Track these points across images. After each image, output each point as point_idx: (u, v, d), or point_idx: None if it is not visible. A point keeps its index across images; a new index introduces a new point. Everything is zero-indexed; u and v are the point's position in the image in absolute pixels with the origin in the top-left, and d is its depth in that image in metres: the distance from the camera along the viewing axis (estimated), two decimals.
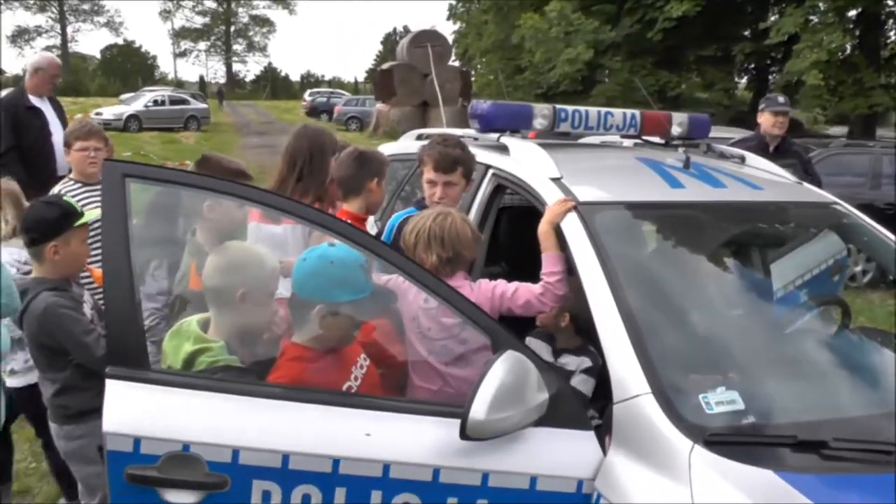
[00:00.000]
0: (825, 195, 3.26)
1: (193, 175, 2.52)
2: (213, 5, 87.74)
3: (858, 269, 8.55)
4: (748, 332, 2.61)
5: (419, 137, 4.46)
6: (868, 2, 21.67)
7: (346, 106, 35.86)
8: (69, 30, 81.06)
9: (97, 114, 29.01)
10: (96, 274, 3.28)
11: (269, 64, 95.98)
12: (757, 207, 3.05)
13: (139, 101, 31.71)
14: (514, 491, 2.06)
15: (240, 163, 3.43)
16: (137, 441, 1.99)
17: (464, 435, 1.96)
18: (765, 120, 5.72)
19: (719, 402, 2.06)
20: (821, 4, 22.11)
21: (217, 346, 2.27)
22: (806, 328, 2.79)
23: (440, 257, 2.66)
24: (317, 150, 3.34)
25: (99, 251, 2.24)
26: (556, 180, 2.78)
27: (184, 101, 32.76)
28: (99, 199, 2.21)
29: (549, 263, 2.62)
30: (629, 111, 3.54)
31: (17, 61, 78.28)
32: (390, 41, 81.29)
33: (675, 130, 3.58)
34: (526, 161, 3.01)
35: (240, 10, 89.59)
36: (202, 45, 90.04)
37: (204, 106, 33.90)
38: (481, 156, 3.30)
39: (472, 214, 3.17)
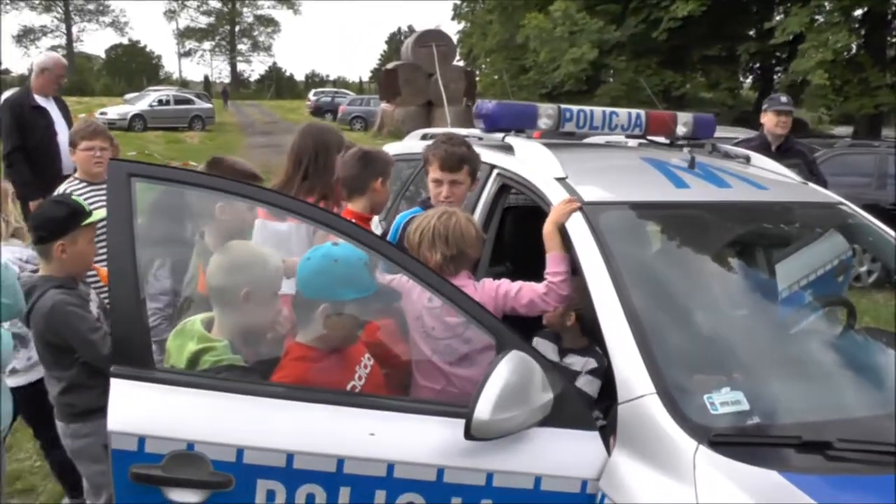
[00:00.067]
0: (830, 195, 3.25)
1: (199, 175, 2.52)
2: (218, 5, 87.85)
3: (863, 269, 8.52)
4: (753, 332, 2.61)
5: (424, 137, 4.46)
6: (874, 1, 21.60)
7: (351, 106, 35.87)
8: (74, 30, 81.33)
9: (102, 113, 29.03)
10: (102, 273, 3.29)
11: (274, 64, 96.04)
12: (762, 207, 3.04)
13: (144, 101, 31.72)
14: (519, 491, 2.06)
15: (251, 165, 3.42)
16: (142, 440, 2.00)
17: (468, 435, 1.96)
18: (768, 120, 5.72)
19: (724, 402, 2.06)
20: (826, 4, 22.04)
21: (221, 345, 2.28)
22: (811, 328, 2.79)
23: (444, 256, 2.66)
24: (322, 149, 3.34)
25: (105, 250, 2.24)
26: (560, 180, 2.78)
27: (188, 101, 32.77)
28: (104, 198, 2.22)
29: (553, 264, 2.62)
30: (634, 111, 3.54)
31: (23, 61, 78.56)
32: (395, 41, 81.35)
33: (680, 130, 3.58)
34: (531, 161, 3.01)
35: (244, 9, 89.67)
36: (207, 44, 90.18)
37: (208, 106, 33.93)
38: (486, 155, 3.30)
39: (477, 214, 3.17)
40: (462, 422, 1.96)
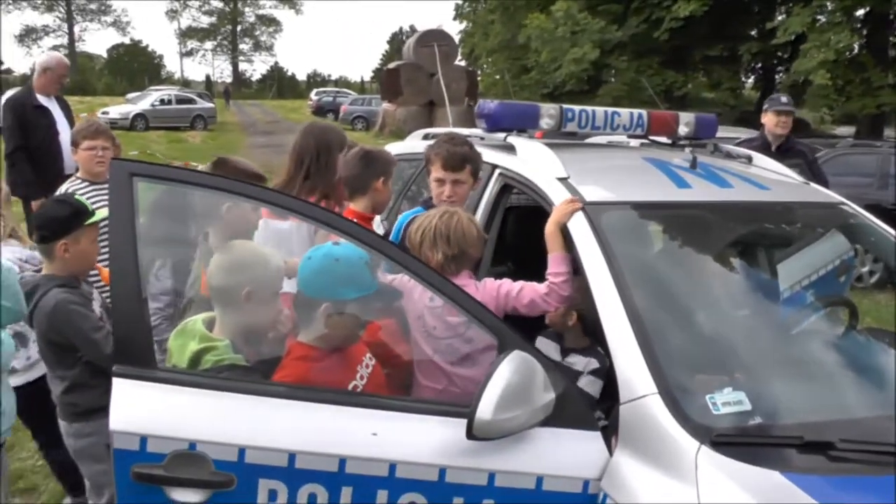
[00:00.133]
0: (832, 195, 3.25)
1: (201, 174, 2.52)
2: (220, 5, 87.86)
3: (865, 269, 8.52)
4: (755, 332, 2.60)
5: (426, 137, 4.46)
6: (876, 1, 21.58)
7: (353, 105, 35.85)
8: (76, 29, 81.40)
9: (104, 113, 29.06)
10: (104, 273, 3.29)
11: (276, 63, 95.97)
12: (764, 208, 3.04)
13: (146, 101, 31.72)
14: (521, 491, 2.06)
15: (255, 165, 3.42)
16: (144, 439, 2.00)
17: (470, 435, 1.96)
18: (768, 120, 5.73)
19: (726, 402, 2.06)
20: (828, 4, 22.02)
21: (222, 344, 2.28)
22: (813, 329, 2.78)
23: (446, 255, 2.66)
24: (324, 148, 3.35)
25: (107, 250, 2.25)
26: (562, 180, 2.78)
27: (190, 101, 32.79)
28: (106, 198, 2.22)
29: (555, 264, 2.62)
30: (636, 111, 3.54)
31: (25, 60, 78.64)
32: (397, 41, 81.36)
33: (682, 130, 3.58)
34: (533, 161, 3.01)
35: (246, 9, 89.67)
36: (208, 44, 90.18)
37: (210, 105, 33.93)
38: (488, 155, 3.30)
39: (479, 214, 3.17)
40: (464, 422, 1.96)
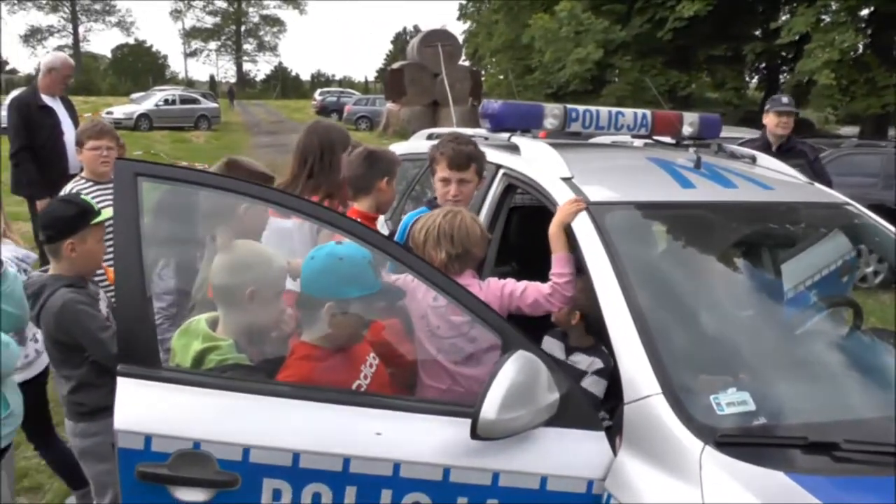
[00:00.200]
0: (837, 195, 3.24)
1: (205, 174, 2.53)
2: (224, 5, 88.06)
3: (870, 270, 8.51)
4: (759, 332, 2.60)
5: (430, 137, 4.46)
6: (881, 1, 21.54)
7: (357, 105, 35.89)
8: (81, 29, 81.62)
9: (108, 113, 29.15)
10: (110, 273, 3.30)
11: (280, 63, 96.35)
12: (768, 208, 3.04)
13: (150, 101, 31.81)
14: (525, 491, 2.06)
15: (264, 167, 3.43)
16: (148, 439, 2.00)
17: (474, 434, 1.96)
18: (769, 120, 5.76)
19: (730, 402, 2.06)
20: (832, 4, 22.00)
21: (226, 344, 2.28)
22: (817, 329, 2.78)
23: (449, 254, 2.66)
24: (327, 147, 3.35)
25: (112, 250, 2.25)
26: (566, 180, 2.78)
27: (194, 101, 32.86)
28: (110, 197, 2.22)
29: (559, 265, 2.62)
30: (640, 111, 3.54)
31: (30, 61, 78.82)
32: (401, 41, 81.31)
33: (686, 130, 3.57)
34: (537, 161, 3.01)
35: (250, 9, 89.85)
36: (213, 44, 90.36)
37: (214, 105, 33.99)
38: (492, 155, 3.29)
39: (483, 214, 3.17)
40: (468, 421, 1.96)
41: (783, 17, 25.97)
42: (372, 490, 2.04)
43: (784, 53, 28.53)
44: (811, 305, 2.89)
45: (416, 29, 71.43)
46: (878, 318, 6.38)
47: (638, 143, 3.87)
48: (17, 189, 6.19)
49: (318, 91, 50.28)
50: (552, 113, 3.35)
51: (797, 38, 22.77)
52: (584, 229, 2.52)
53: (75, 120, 6.18)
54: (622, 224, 2.61)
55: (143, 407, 2.04)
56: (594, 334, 2.88)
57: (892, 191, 9.06)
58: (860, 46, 22.86)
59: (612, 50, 27.94)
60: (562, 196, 2.69)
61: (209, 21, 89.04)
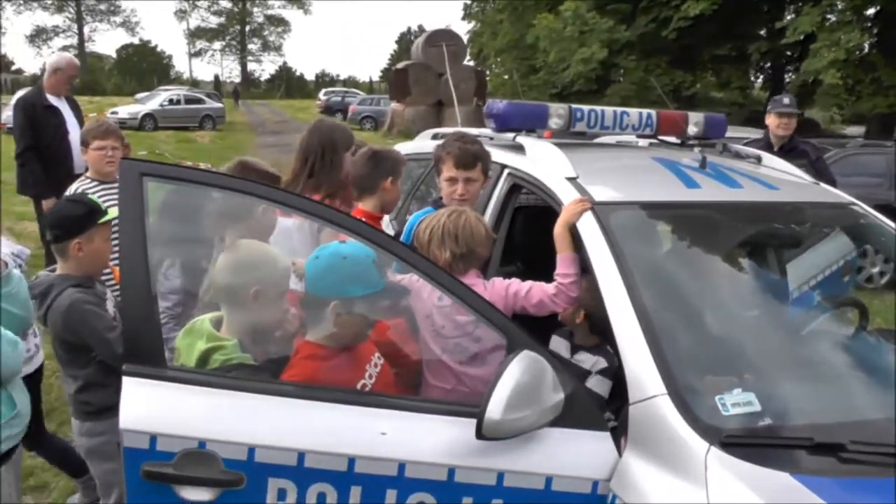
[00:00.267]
0: (842, 195, 3.23)
1: (210, 174, 2.53)
2: (229, 5, 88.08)
3: (875, 270, 8.48)
4: (764, 333, 2.60)
5: (434, 137, 4.47)
6: (886, 0, 21.49)
7: (361, 105, 35.89)
8: (86, 30, 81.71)
9: (113, 112, 29.14)
10: (117, 273, 3.31)
11: (284, 63, 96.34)
12: (773, 208, 3.03)
13: (155, 101, 31.82)
14: (530, 491, 2.06)
15: (273, 168, 3.43)
16: (153, 438, 2.01)
17: (480, 434, 1.96)
18: (771, 121, 5.79)
19: (735, 403, 2.06)
20: (838, 3, 21.94)
21: (230, 344, 2.28)
22: (823, 329, 2.78)
23: (454, 254, 2.66)
24: (328, 146, 3.35)
25: (118, 250, 2.25)
26: (571, 180, 2.78)
27: (199, 101, 32.86)
28: (115, 197, 2.22)
29: (564, 265, 2.62)
30: (645, 111, 3.53)
31: (35, 61, 79.02)
32: (405, 40, 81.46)
33: (691, 130, 3.57)
34: (542, 161, 3.01)
35: (255, 9, 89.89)
36: (217, 44, 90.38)
37: (219, 105, 34.01)
38: (497, 155, 3.30)
39: (488, 214, 3.17)
40: (473, 421, 1.96)
41: (788, 17, 25.94)
42: (377, 490, 2.04)
43: (789, 53, 28.50)
44: (816, 306, 2.88)
45: (421, 29, 71.33)
46: (884, 319, 6.36)
47: (643, 142, 3.87)
48: (23, 189, 6.21)
49: (323, 91, 50.29)
50: (557, 113, 3.34)
51: (802, 37, 22.72)
52: (590, 229, 2.52)
53: (80, 120, 6.20)
54: (627, 224, 2.61)
55: (148, 406, 2.04)
56: (599, 334, 2.88)
57: None
58: (866, 46, 22.83)
59: (617, 49, 27.92)
60: (567, 196, 2.69)
61: (214, 21, 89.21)
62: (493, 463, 2.04)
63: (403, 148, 4.40)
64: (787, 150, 5.49)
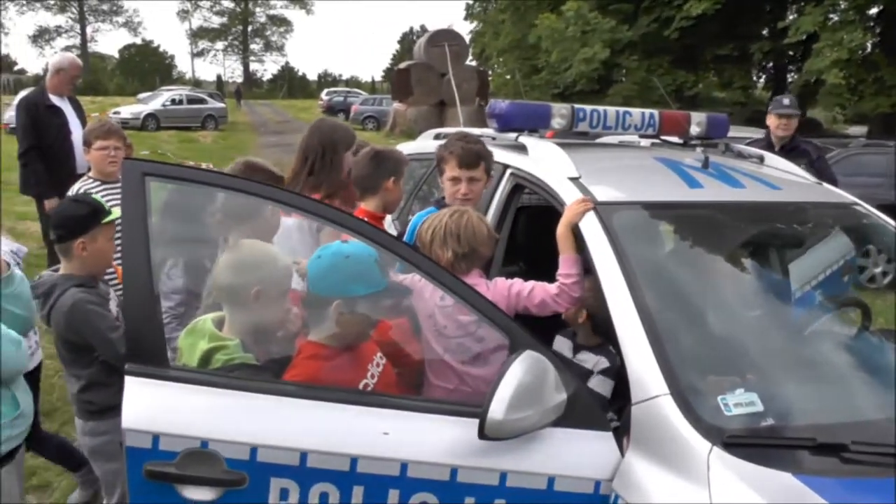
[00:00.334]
0: (845, 195, 3.23)
1: (213, 174, 2.53)
2: (231, 5, 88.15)
3: (878, 270, 8.47)
4: (767, 333, 2.59)
5: (437, 137, 4.46)
6: None
7: (363, 105, 35.89)
8: (88, 30, 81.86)
9: (115, 112, 29.17)
10: (121, 272, 3.31)
11: (287, 63, 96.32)
12: (776, 208, 3.03)
13: (157, 101, 31.83)
14: (532, 491, 2.06)
15: (278, 169, 3.44)
16: (156, 438, 2.01)
17: (482, 434, 1.96)
18: (771, 122, 5.82)
19: (738, 403, 2.05)
20: (841, 2, 21.91)
21: (232, 343, 2.28)
22: (825, 330, 2.77)
23: (456, 253, 2.66)
24: (329, 146, 3.35)
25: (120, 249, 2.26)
26: (574, 180, 2.77)
27: (201, 101, 32.87)
28: (118, 197, 2.22)
29: (566, 266, 2.62)
30: (647, 111, 3.53)
31: (38, 61, 79.14)
32: (407, 40, 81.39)
33: (694, 130, 3.57)
34: (544, 160, 3.01)
35: (257, 10, 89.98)
36: (220, 44, 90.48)
37: (221, 105, 34.01)
38: (499, 155, 3.30)
39: (491, 214, 3.17)
40: (475, 421, 1.96)
41: (791, 17, 25.93)
42: (379, 490, 2.04)
43: (792, 53, 28.48)
44: (819, 306, 2.88)
45: (423, 29, 71.40)
46: (887, 319, 6.35)
47: (645, 142, 3.87)
48: (26, 189, 6.22)
49: (325, 91, 50.27)
50: (560, 113, 3.34)
51: (805, 37, 22.68)
52: (592, 229, 2.52)
53: (83, 120, 6.21)
54: (630, 224, 2.61)
55: (150, 406, 2.04)
56: (602, 334, 2.88)
57: None
58: (868, 45, 22.78)
59: (619, 49, 27.91)
60: (569, 196, 2.68)
61: (216, 21, 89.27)
62: (496, 463, 2.04)
63: (406, 148, 4.40)
64: (788, 150, 5.50)
